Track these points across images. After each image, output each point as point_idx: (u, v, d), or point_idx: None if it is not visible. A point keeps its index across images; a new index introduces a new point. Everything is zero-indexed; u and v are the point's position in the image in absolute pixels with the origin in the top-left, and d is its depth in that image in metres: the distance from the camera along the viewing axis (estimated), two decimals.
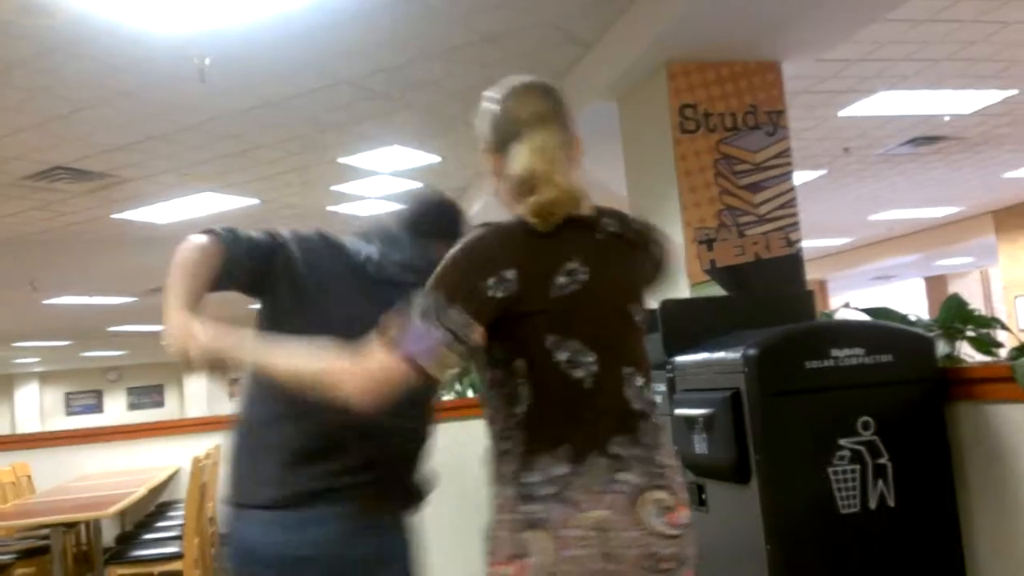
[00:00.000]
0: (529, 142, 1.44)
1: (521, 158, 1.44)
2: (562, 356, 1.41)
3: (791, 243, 4.10)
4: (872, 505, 2.48)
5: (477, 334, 1.37)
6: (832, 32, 4.09)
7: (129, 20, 3.82)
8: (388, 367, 1.34)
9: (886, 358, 2.55)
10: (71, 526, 5.21)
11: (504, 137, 1.48)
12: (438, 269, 1.40)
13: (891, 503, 2.50)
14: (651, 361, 1.57)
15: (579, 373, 1.42)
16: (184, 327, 1.56)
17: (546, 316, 1.40)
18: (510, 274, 1.37)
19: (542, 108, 1.47)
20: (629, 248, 1.53)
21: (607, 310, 1.47)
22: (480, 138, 1.53)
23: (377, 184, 7.36)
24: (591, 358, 1.43)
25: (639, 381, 1.49)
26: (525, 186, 1.42)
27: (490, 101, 1.52)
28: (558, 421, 1.42)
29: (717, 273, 3.97)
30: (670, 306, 3.03)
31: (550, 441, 1.41)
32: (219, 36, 4.06)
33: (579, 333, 1.42)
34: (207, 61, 4.19)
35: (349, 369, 1.35)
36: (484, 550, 1.49)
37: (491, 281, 1.36)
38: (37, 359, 21.81)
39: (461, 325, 1.35)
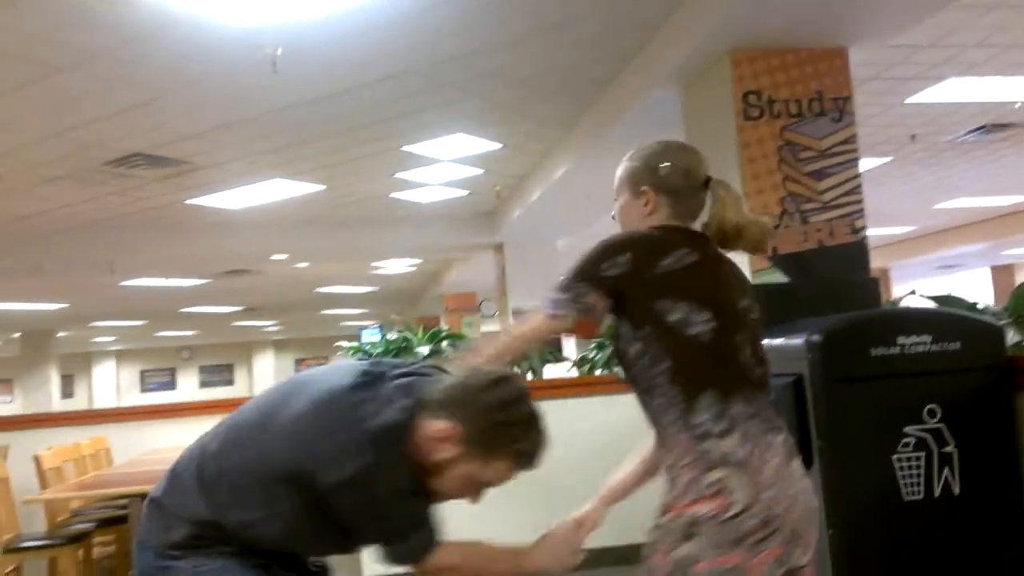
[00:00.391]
0: (724, 195, 1.84)
1: (726, 209, 1.82)
2: (674, 317, 1.68)
3: (856, 230, 4.07)
4: (936, 493, 2.48)
5: (593, 299, 1.72)
6: (900, 18, 4.03)
7: (202, 10, 3.94)
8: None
9: (954, 346, 2.55)
10: None
11: (688, 186, 1.85)
12: (576, 262, 1.77)
13: (956, 491, 2.50)
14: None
15: (694, 330, 1.67)
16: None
17: (652, 287, 1.70)
18: (623, 259, 1.72)
19: (706, 167, 1.89)
20: (730, 261, 1.86)
21: (714, 283, 1.74)
22: (642, 180, 1.87)
23: (440, 171, 7.46)
24: (706, 316, 1.69)
25: (749, 351, 1.72)
26: (731, 228, 1.82)
27: (661, 155, 1.88)
28: (697, 372, 1.67)
29: (779, 260, 3.96)
30: None
31: (696, 388, 1.67)
32: (289, 27, 4.18)
33: (688, 297, 1.69)
34: (279, 51, 4.31)
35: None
36: (669, 495, 1.65)
37: (605, 264, 1.72)
38: (114, 338, 22.55)
39: (581, 292, 1.72)
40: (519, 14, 4.25)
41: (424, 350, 6.08)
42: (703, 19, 4.02)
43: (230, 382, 25.75)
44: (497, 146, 6.72)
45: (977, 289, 15.97)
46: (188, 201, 7.73)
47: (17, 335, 17.13)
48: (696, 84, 4.44)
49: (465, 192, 8.38)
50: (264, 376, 21.77)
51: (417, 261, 11.81)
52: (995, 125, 7.05)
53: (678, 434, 1.67)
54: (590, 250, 1.78)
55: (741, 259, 3.95)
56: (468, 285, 13.52)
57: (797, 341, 2.58)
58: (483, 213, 9.60)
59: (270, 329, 23.67)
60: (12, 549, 4.42)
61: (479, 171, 7.52)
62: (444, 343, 6.38)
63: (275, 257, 10.24)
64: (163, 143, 5.97)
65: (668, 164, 1.86)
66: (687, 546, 1.57)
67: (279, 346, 26.36)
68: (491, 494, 1.74)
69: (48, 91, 4.84)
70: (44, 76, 4.61)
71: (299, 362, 25.99)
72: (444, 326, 10.64)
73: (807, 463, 2.50)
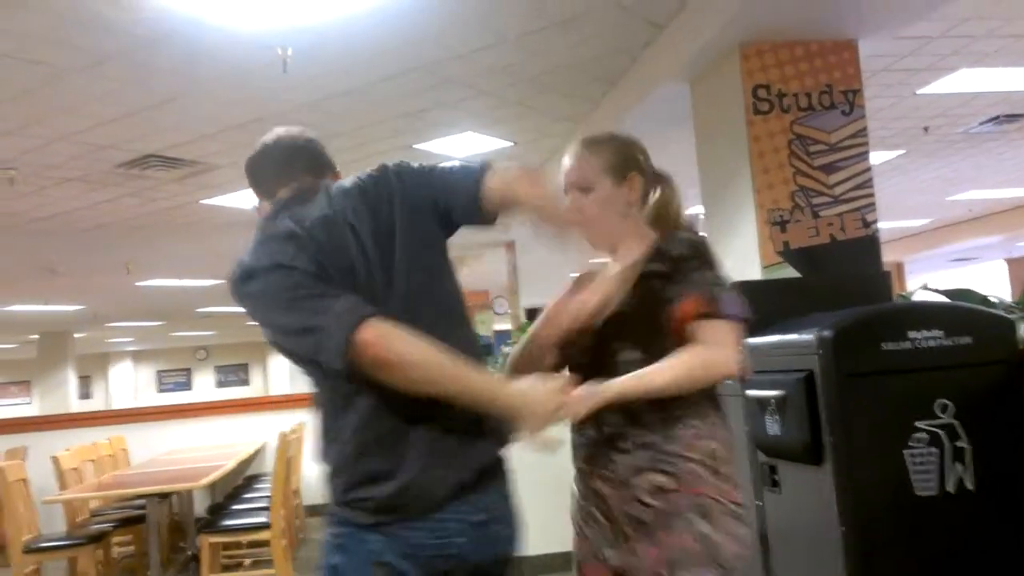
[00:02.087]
0: (674, 186, 1.91)
1: (676, 199, 1.91)
2: None
3: (867, 224, 4.05)
4: (950, 488, 2.47)
5: None
6: (911, 9, 4.00)
7: (212, 14, 3.97)
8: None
9: (965, 340, 2.53)
10: (166, 496, 5.47)
11: (650, 173, 1.88)
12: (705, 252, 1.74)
13: (969, 486, 2.48)
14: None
15: None
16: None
17: None
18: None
19: None
20: None
21: None
22: (631, 165, 1.84)
23: None
24: None
25: None
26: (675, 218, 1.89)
27: (634, 142, 1.89)
28: None
29: (790, 255, 3.95)
30: (742, 288, 3.04)
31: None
32: (299, 28, 4.19)
33: None
34: (289, 52, 4.33)
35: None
36: (673, 479, 1.70)
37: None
38: (130, 339, 22.70)
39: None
40: (527, 11, 4.24)
41: None
42: (712, 13, 4.01)
43: (246, 382, 25.88)
44: (507, 144, 6.71)
45: (993, 282, 15.84)
46: (203, 201, 7.77)
47: (35, 336, 17.27)
48: (705, 78, 4.43)
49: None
50: (280, 376, 21.86)
51: None
52: (1008, 115, 7.00)
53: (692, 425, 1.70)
54: (709, 252, 1.76)
55: (751, 249, 3.95)
56: (480, 283, 13.54)
57: (808, 336, 2.57)
58: None
59: None
60: (32, 549, 4.48)
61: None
62: None
63: None
64: (177, 144, 6.00)
65: (643, 150, 1.87)
66: (705, 527, 1.62)
67: None
68: None
69: (60, 94, 4.87)
70: (55, 79, 4.64)
71: None
72: None
73: (817, 460, 2.49)
